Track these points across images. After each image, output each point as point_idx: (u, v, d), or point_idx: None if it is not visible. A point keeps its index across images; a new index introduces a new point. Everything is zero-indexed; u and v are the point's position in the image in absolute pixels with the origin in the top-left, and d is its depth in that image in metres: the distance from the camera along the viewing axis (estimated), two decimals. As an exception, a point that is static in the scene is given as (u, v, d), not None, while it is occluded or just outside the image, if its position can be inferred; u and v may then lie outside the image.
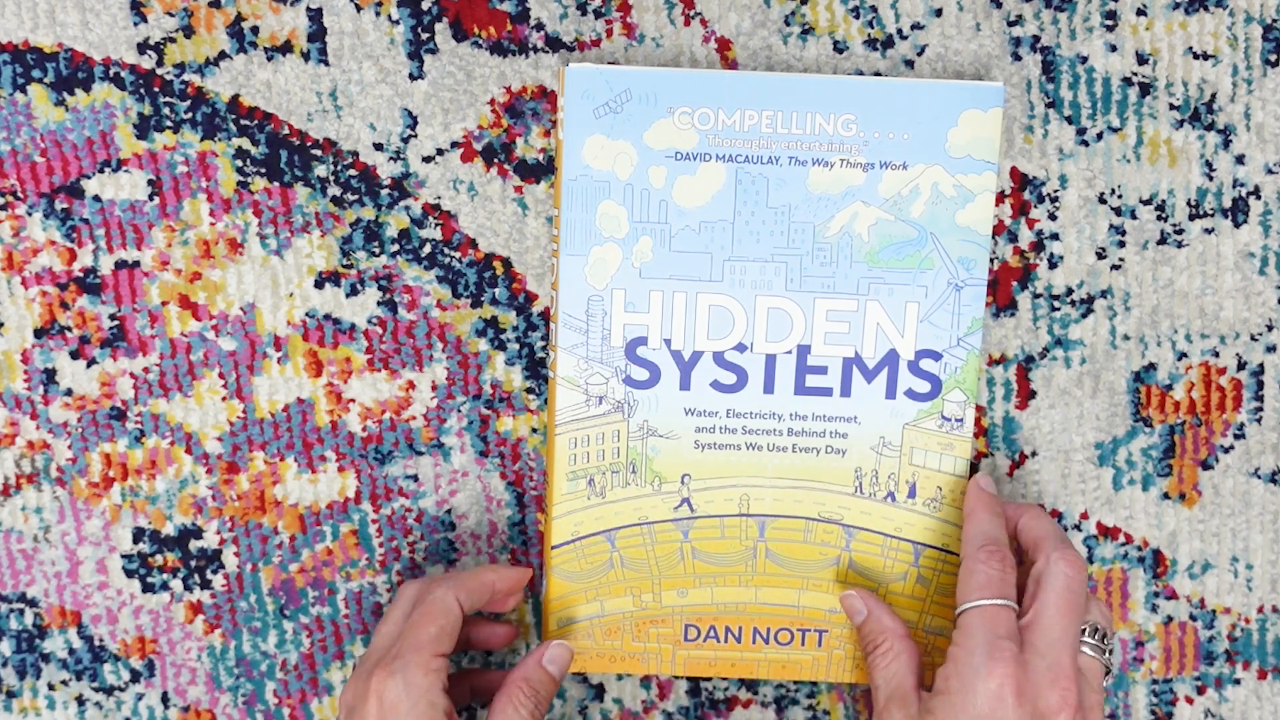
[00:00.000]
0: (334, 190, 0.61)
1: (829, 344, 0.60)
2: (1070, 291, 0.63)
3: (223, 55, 0.60)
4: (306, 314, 0.62)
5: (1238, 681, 0.66)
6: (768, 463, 0.60)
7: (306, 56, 0.60)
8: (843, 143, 0.58)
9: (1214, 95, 0.61)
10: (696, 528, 0.61)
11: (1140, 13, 0.61)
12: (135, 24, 0.60)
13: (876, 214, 0.59)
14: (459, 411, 0.63)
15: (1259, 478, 0.64)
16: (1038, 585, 0.55)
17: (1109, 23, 0.61)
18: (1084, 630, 0.56)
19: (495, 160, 0.61)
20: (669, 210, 0.58)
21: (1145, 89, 0.61)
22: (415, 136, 0.61)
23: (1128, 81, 0.61)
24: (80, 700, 0.64)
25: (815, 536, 0.61)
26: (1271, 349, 0.63)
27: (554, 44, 0.60)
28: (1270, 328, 0.63)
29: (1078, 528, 0.64)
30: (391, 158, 0.61)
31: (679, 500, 0.60)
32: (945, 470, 0.61)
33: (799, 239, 0.59)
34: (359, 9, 0.60)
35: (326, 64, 0.60)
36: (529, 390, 0.62)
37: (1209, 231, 0.62)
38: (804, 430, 0.60)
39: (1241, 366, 0.63)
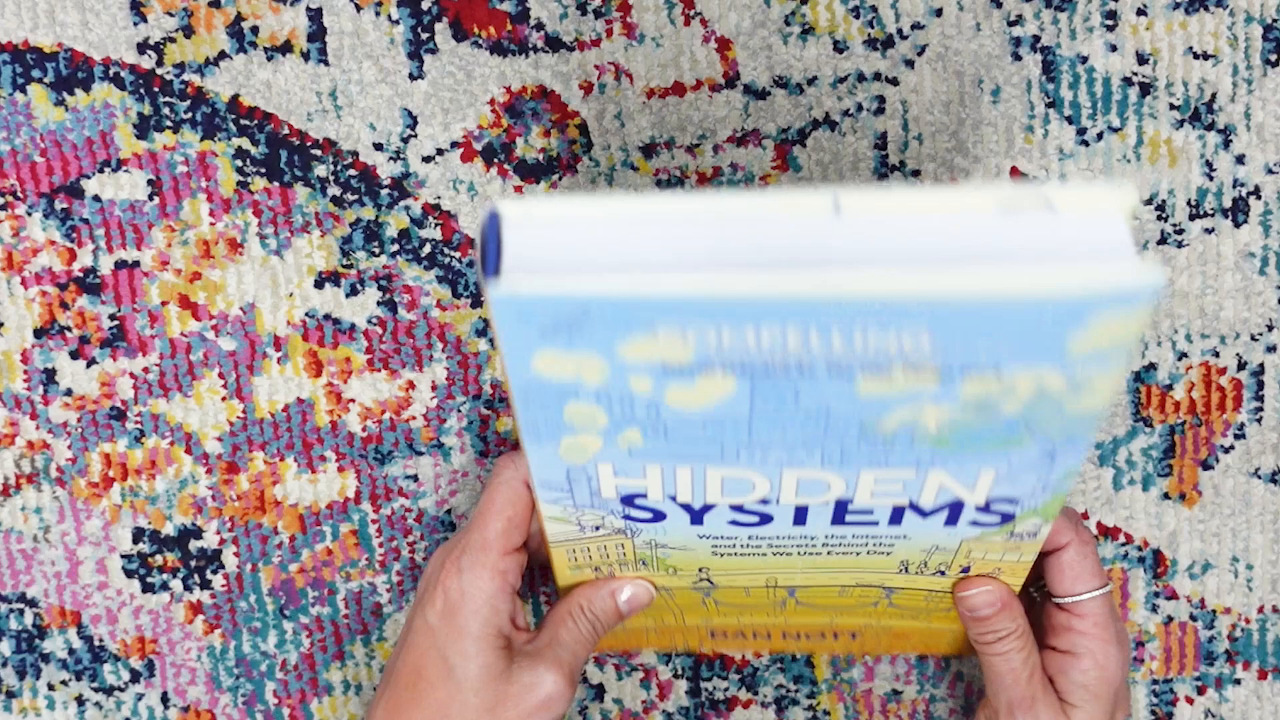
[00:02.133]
0: (334, 190, 0.61)
1: (877, 498, 0.46)
2: (1070, 291, 0.63)
3: (222, 55, 0.60)
4: (306, 314, 0.62)
5: (1238, 682, 0.66)
6: (798, 563, 0.52)
7: (306, 56, 0.60)
8: (906, 357, 0.39)
9: (1214, 95, 0.61)
10: (719, 589, 0.56)
11: (1140, 13, 0.61)
12: (135, 24, 0.60)
13: (952, 413, 0.41)
14: (459, 411, 0.63)
15: (1259, 478, 0.64)
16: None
17: (1109, 23, 0.61)
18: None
19: (495, 160, 0.61)
20: (661, 411, 0.42)
21: (1145, 89, 0.61)
22: (415, 136, 0.61)
23: (1128, 81, 0.61)
24: (80, 700, 0.64)
25: (853, 595, 0.56)
26: (1272, 349, 0.63)
27: (554, 44, 0.60)
28: (1270, 328, 0.63)
29: (1078, 528, 0.64)
30: (391, 158, 0.61)
31: (699, 579, 0.55)
32: (1009, 559, 0.52)
33: (841, 432, 0.42)
34: (359, 9, 0.60)
35: (326, 64, 0.60)
36: (529, 390, 0.62)
37: (1209, 231, 0.62)
38: (843, 548, 0.51)
39: (1242, 366, 0.63)
